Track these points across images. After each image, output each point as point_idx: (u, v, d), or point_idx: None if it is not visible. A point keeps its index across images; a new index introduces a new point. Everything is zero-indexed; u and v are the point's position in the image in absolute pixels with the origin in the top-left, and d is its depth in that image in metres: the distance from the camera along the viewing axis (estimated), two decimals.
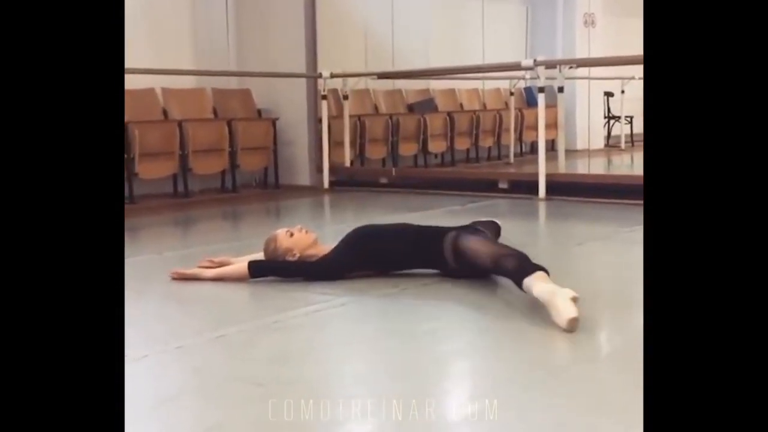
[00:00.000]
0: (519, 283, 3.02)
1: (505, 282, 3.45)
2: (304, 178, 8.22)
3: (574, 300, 2.78)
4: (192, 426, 2.03)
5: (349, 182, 8.01)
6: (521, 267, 3.06)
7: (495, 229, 3.88)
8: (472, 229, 3.62)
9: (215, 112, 8.02)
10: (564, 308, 2.73)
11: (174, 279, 3.63)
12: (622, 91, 10.65)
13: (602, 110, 11.35)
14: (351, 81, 8.25)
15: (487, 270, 3.36)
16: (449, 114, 9.96)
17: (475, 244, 3.38)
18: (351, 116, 8.34)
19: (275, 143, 8.01)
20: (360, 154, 8.80)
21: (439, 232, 3.52)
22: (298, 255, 3.55)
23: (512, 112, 10.29)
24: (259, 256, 3.65)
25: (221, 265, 3.69)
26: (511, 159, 10.15)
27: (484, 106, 10.92)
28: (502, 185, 7.07)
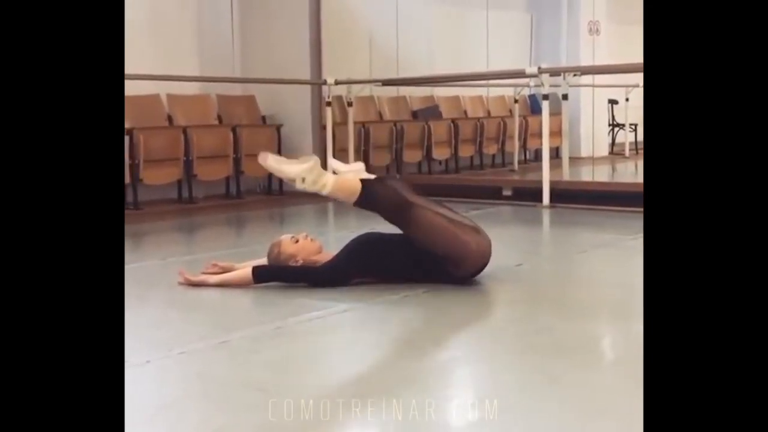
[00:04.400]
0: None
1: (507, 287, 3.46)
2: None
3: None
4: (194, 431, 2.03)
5: None
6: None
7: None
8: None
9: (220, 119, 8.04)
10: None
11: (180, 283, 3.64)
12: (627, 99, 10.66)
13: (606, 118, 11.36)
14: (355, 88, 8.27)
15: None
16: (453, 121, 9.96)
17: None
18: (355, 123, 8.36)
19: (280, 150, 8.01)
20: (364, 161, 8.79)
21: None
22: (301, 261, 3.56)
23: (516, 120, 10.30)
24: (263, 262, 3.66)
25: (226, 269, 3.70)
26: (515, 166, 10.15)
27: (489, 113, 10.94)
28: (506, 192, 7.07)
